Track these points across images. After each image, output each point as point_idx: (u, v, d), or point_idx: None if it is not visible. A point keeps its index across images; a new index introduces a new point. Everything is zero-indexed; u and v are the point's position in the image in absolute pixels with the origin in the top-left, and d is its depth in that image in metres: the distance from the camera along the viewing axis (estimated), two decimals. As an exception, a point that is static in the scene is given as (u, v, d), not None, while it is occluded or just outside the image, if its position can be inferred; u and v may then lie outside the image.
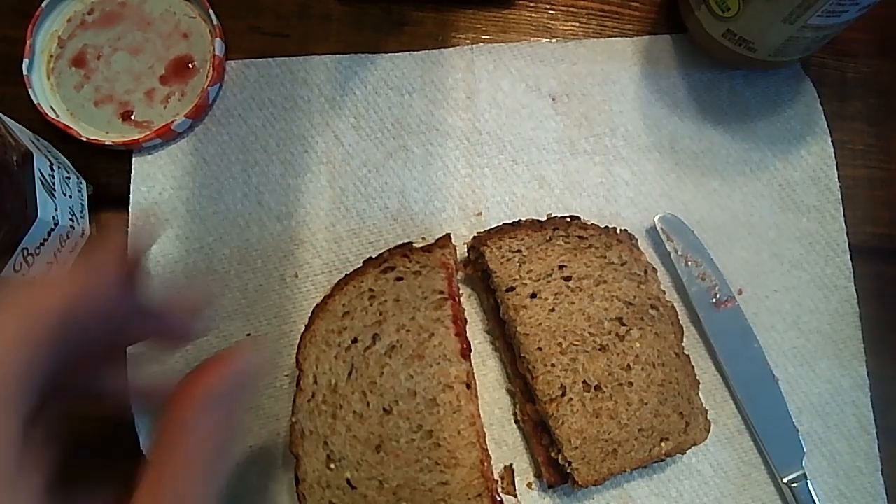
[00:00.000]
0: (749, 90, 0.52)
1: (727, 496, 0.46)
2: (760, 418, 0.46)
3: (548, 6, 0.52)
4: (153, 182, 0.47)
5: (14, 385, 0.22)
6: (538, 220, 0.46)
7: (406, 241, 0.45)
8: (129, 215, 0.46)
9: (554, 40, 0.52)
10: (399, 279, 0.43)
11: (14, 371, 0.22)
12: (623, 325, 0.44)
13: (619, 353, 0.43)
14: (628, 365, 0.43)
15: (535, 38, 0.52)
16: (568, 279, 0.44)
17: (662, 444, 0.42)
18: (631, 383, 0.43)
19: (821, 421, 0.47)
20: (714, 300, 0.47)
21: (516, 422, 0.45)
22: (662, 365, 0.44)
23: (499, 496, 0.41)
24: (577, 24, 0.52)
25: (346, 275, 0.43)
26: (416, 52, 0.50)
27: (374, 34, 0.51)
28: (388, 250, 0.44)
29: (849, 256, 0.50)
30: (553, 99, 0.50)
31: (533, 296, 0.43)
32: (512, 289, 0.43)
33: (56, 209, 0.41)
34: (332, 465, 0.40)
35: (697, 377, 0.45)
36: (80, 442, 0.30)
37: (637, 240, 0.47)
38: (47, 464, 0.24)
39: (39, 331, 0.23)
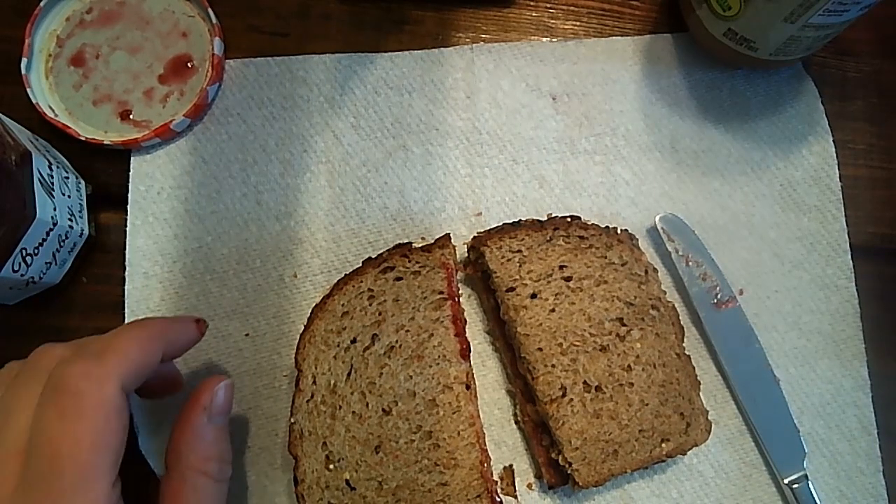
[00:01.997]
0: (750, 90, 0.52)
1: (728, 497, 0.46)
2: (761, 419, 0.46)
3: (548, 5, 0.52)
4: (152, 181, 0.47)
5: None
6: (538, 220, 0.45)
7: (405, 241, 0.45)
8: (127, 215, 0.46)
9: (554, 39, 0.51)
10: (398, 279, 0.43)
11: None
12: (624, 325, 0.44)
13: (619, 354, 0.43)
14: (629, 365, 0.43)
15: (536, 38, 0.51)
16: (568, 279, 0.44)
17: (663, 445, 0.42)
18: (632, 384, 0.42)
19: (822, 421, 0.47)
20: (715, 300, 0.47)
21: (516, 422, 0.45)
22: (663, 365, 0.43)
23: (498, 497, 0.41)
24: (578, 23, 0.52)
25: (346, 275, 0.43)
26: (415, 52, 0.50)
27: (373, 33, 0.50)
28: (388, 250, 0.44)
29: (850, 256, 0.50)
30: (553, 98, 0.50)
31: (533, 296, 0.43)
32: (512, 289, 0.43)
33: (55, 209, 0.41)
34: (332, 466, 0.40)
35: (698, 378, 0.45)
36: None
37: (638, 240, 0.47)
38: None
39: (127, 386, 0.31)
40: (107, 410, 0.29)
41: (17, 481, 0.28)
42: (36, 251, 0.40)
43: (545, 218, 0.46)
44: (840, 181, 0.51)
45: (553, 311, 0.43)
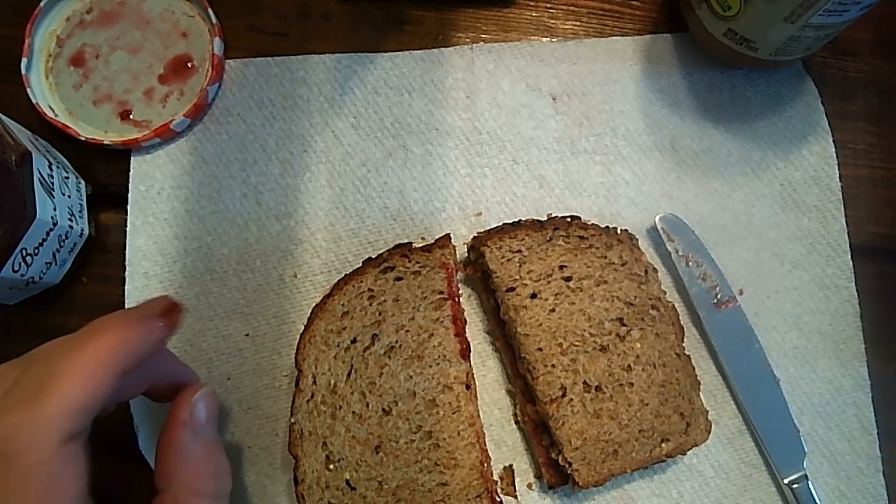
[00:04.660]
0: (750, 89, 0.52)
1: (728, 497, 0.46)
2: (761, 419, 0.46)
3: (548, 5, 0.52)
4: (152, 182, 0.47)
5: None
6: (538, 220, 0.45)
7: (405, 241, 0.45)
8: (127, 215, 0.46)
9: (554, 39, 0.51)
10: (398, 279, 0.43)
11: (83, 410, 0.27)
12: (624, 325, 0.44)
13: (619, 354, 0.43)
14: (629, 365, 0.43)
15: (536, 38, 0.51)
16: (568, 279, 0.44)
17: (663, 445, 0.42)
18: (631, 384, 0.42)
19: (822, 421, 0.47)
20: (715, 300, 0.47)
21: (516, 422, 0.45)
22: (663, 365, 0.43)
23: (498, 497, 0.41)
24: (578, 23, 0.52)
25: (346, 275, 0.43)
26: (415, 52, 0.50)
27: (373, 33, 0.50)
28: (388, 250, 0.44)
29: (850, 256, 0.50)
30: (553, 98, 0.50)
31: (533, 296, 0.43)
32: (512, 289, 0.43)
33: (55, 209, 0.41)
34: (332, 466, 0.40)
35: (698, 378, 0.45)
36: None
37: (637, 240, 0.47)
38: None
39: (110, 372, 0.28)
40: (49, 469, 0.25)
41: None
42: (36, 251, 0.40)
43: (545, 218, 0.46)
44: (840, 181, 0.51)
45: (553, 311, 0.43)
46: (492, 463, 0.42)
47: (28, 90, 0.46)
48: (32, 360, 0.29)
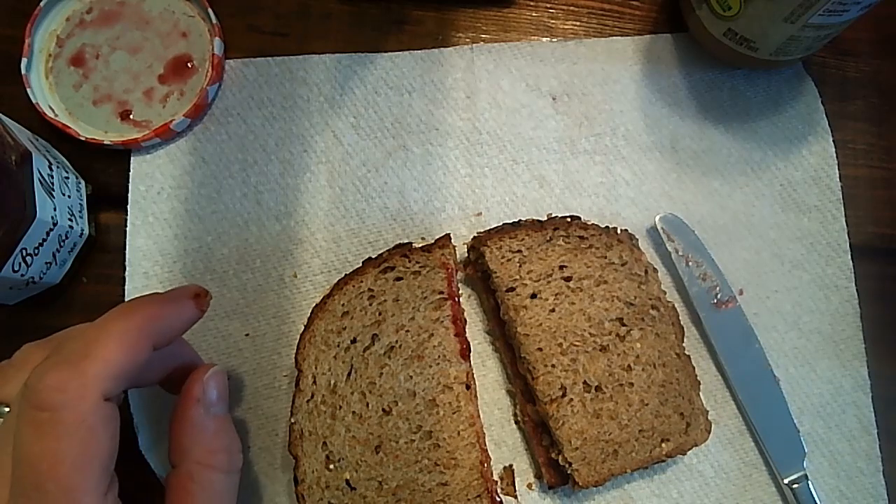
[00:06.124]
0: (750, 90, 0.52)
1: (728, 497, 0.46)
2: (761, 419, 0.46)
3: (548, 5, 0.52)
4: (152, 182, 0.47)
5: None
6: (538, 220, 0.45)
7: (405, 241, 0.45)
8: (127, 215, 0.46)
9: (554, 39, 0.51)
10: (398, 279, 0.43)
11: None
12: (623, 325, 0.44)
13: (619, 354, 0.43)
14: (629, 365, 0.43)
15: (536, 38, 0.51)
16: (568, 279, 0.44)
17: (663, 445, 0.42)
18: (631, 384, 0.43)
19: (822, 421, 0.47)
20: (715, 300, 0.47)
21: (516, 422, 0.45)
22: (663, 365, 0.43)
23: (498, 497, 0.41)
24: (578, 23, 0.52)
25: (346, 275, 0.43)
26: (415, 52, 0.50)
27: (373, 33, 0.50)
28: (388, 250, 0.44)
29: (850, 256, 0.50)
30: (553, 98, 0.50)
31: (533, 296, 0.43)
32: (512, 289, 0.43)
33: (55, 209, 0.41)
34: (332, 466, 0.40)
35: (698, 378, 0.45)
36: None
37: (637, 240, 0.47)
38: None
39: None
40: (87, 425, 0.27)
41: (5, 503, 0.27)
42: (36, 251, 0.40)
43: (545, 218, 0.46)
44: (840, 181, 0.51)
45: (553, 311, 0.43)
46: (492, 463, 0.42)
47: (28, 90, 0.46)
48: (69, 335, 0.31)
